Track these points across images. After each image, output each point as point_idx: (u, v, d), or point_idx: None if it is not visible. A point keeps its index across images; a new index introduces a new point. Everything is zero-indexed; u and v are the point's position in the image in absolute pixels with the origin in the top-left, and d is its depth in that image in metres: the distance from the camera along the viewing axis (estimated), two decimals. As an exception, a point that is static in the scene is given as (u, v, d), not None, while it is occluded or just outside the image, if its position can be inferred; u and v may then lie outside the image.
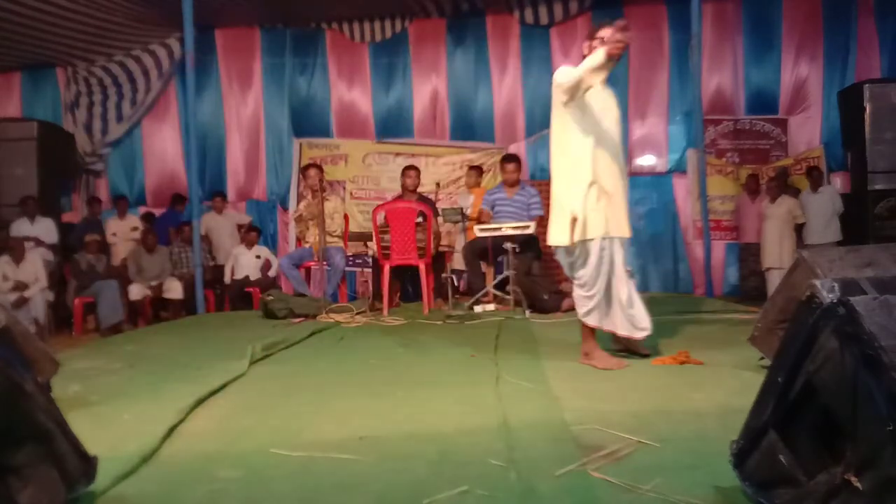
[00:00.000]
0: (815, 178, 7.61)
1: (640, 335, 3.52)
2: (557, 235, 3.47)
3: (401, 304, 6.52)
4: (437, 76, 8.87)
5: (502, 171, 6.44)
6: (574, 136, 3.45)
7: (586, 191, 3.39)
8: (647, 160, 8.77)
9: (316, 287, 6.88)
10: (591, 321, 3.50)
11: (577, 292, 3.52)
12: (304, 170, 6.64)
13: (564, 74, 3.41)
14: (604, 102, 3.54)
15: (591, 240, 3.40)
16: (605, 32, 3.37)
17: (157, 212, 8.76)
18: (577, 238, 3.39)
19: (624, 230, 3.48)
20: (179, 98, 8.91)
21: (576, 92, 3.38)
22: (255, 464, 2.14)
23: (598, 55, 3.25)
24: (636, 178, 8.62)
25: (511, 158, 6.49)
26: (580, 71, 3.31)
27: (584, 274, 3.46)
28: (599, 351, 3.52)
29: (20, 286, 6.74)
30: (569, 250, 3.48)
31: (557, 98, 3.48)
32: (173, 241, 8.15)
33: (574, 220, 3.37)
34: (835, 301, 1.41)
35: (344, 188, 8.79)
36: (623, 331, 3.51)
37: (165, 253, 7.87)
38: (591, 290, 3.45)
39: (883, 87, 7.54)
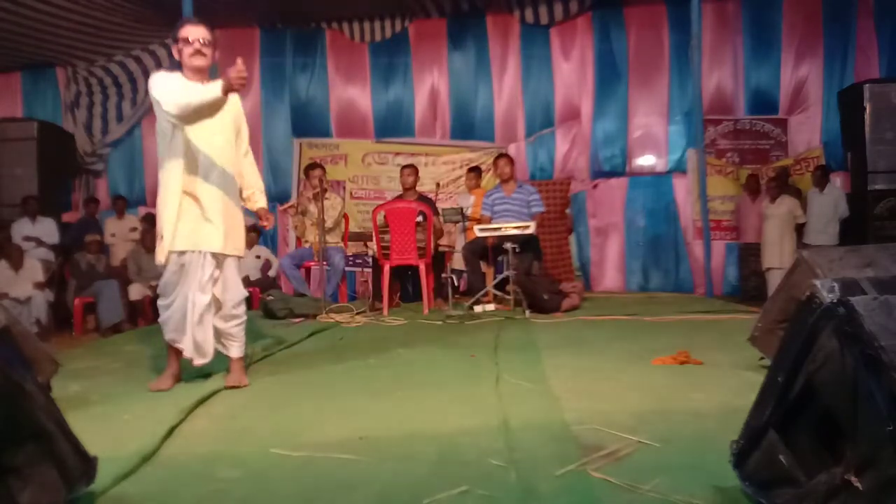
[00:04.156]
0: (821, 177, 7.60)
1: (199, 361, 3.29)
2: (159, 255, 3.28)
3: (401, 304, 6.53)
4: (438, 76, 8.87)
5: (495, 168, 6.58)
6: (170, 144, 3.24)
7: (177, 202, 3.21)
8: (647, 160, 8.77)
9: (316, 287, 6.88)
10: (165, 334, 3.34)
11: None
12: (307, 170, 6.63)
13: (170, 98, 3.02)
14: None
15: (175, 252, 3.23)
16: (186, 31, 3.17)
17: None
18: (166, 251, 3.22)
19: (215, 244, 3.24)
20: (179, 98, 8.90)
21: (189, 120, 3.09)
22: (255, 464, 2.14)
23: (215, 90, 2.92)
24: (636, 178, 8.65)
25: (501, 155, 6.67)
26: (195, 103, 2.99)
27: (160, 282, 3.35)
28: (165, 373, 3.35)
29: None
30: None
31: (160, 113, 3.16)
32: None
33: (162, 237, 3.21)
34: (835, 301, 1.41)
35: (344, 188, 8.80)
36: (188, 352, 3.29)
37: (165, 253, 7.86)
38: (166, 299, 3.33)
39: (883, 87, 7.54)
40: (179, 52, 3.22)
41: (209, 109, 3.04)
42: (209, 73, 3.30)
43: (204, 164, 3.23)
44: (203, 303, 3.24)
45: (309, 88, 8.95)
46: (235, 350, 3.37)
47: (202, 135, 3.21)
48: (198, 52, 3.19)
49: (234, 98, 3.39)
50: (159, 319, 3.37)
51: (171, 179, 3.22)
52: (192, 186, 3.20)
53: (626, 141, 8.70)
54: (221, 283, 3.32)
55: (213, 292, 3.29)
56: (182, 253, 3.22)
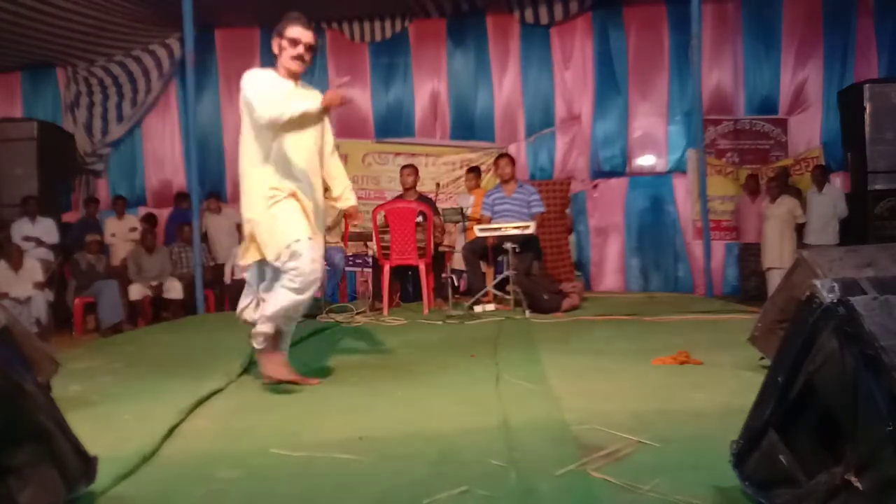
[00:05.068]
0: (820, 177, 7.60)
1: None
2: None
3: (401, 304, 6.52)
4: (437, 76, 8.88)
5: (496, 168, 6.59)
6: (262, 146, 3.13)
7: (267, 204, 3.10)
8: (647, 160, 8.77)
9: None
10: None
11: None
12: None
13: (264, 105, 3.00)
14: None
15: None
16: (295, 32, 3.13)
17: (158, 212, 8.76)
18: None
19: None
20: (179, 98, 8.92)
21: (280, 129, 3.06)
22: (255, 464, 2.13)
23: (314, 105, 3.00)
24: (636, 178, 8.65)
25: (502, 155, 6.68)
26: (289, 116, 2.99)
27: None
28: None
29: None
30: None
31: (251, 114, 3.09)
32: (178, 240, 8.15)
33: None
34: (835, 301, 1.41)
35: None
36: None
37: (165, 253, 7.87)
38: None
39: (883, 87, 7.54)
40: (280, 49, 3.18)
41: (301, 122, 3.04)
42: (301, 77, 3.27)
43: (298, 166, 3.16)
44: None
45: (309, 89, 8.94)
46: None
47: (296, 136, 3.15)
48: (300, 57, 3.16)
49: (317, 94, 3.31)
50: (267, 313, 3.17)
51: (263, 181, 3.11)
52: (288, 189, 3.12)
53: (626, 141, 8.71)
54: None
55: None
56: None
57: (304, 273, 3.02)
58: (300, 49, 3.15)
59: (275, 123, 3.02)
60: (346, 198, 3.50)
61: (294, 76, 3.22)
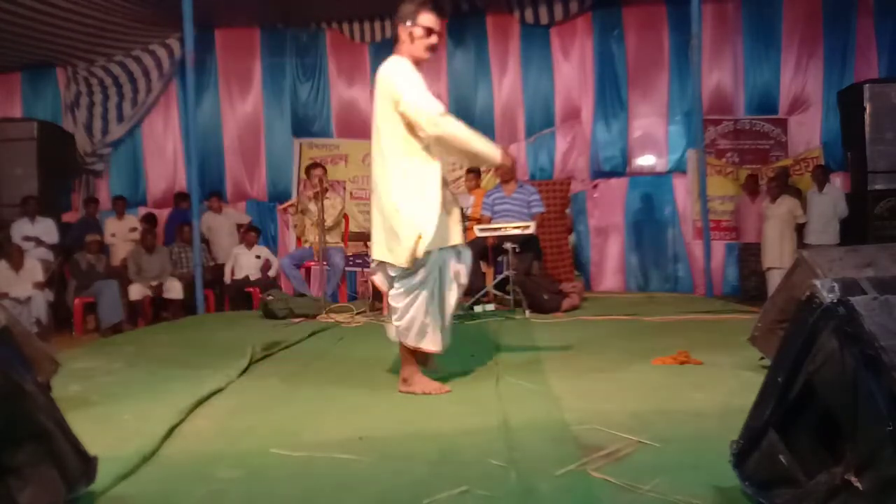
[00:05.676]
0: (820, 177, 7.60)
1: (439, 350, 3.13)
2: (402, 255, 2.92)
3: (401, 304, 6.51)
4: (437, 76, 8.87)
5: (496, 168, 6.53)
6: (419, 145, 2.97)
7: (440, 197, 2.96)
8: (647, 160, 8.77)
9: (316, 287, 6.89)
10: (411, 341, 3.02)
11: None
12: (308, 169, 6.64)
13: (436, 114, 2.89)
14: None
15: (428, 252, 2.92)
16: (430, 20, 2.98)
17: (158, 212, 8.76)
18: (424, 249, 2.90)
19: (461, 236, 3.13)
20: (179, 98, 8.92)
21: (432, 143, 2.91)
22: (255, 464, 2.14)
23: (495, 155, 2.96)
24: (636, 178, 8.65)
25: None
26: (468, 144, 2.92)
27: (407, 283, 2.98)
28: (419, 375, 3.05)
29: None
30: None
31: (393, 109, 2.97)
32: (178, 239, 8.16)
33: (419, 238, 2.88)
34: (835, 301, 1.41)
35: (344, 188, 8.80)
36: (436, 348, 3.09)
37: (165, 253, 7.87)
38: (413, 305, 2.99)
39: (883, 87, 7.54)
40: (412, 37, 3.00)
41: (466, 156, 3.03)
42: None
43: (440, 160, 3.05)
44: (455, 299, 3.14)
45: (309, 89, 8.95)
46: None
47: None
48: (433, 47, 3.01)
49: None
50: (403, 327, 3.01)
51: (433, 173, 2.94)
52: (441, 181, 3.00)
53: (626, 141, 8.71)
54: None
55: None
56: (441, 249, 3.00)
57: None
58: (434, 38, 3.00)
59: (441, 138, 2.90)
60: None
61: (420, 66, 3.05)
